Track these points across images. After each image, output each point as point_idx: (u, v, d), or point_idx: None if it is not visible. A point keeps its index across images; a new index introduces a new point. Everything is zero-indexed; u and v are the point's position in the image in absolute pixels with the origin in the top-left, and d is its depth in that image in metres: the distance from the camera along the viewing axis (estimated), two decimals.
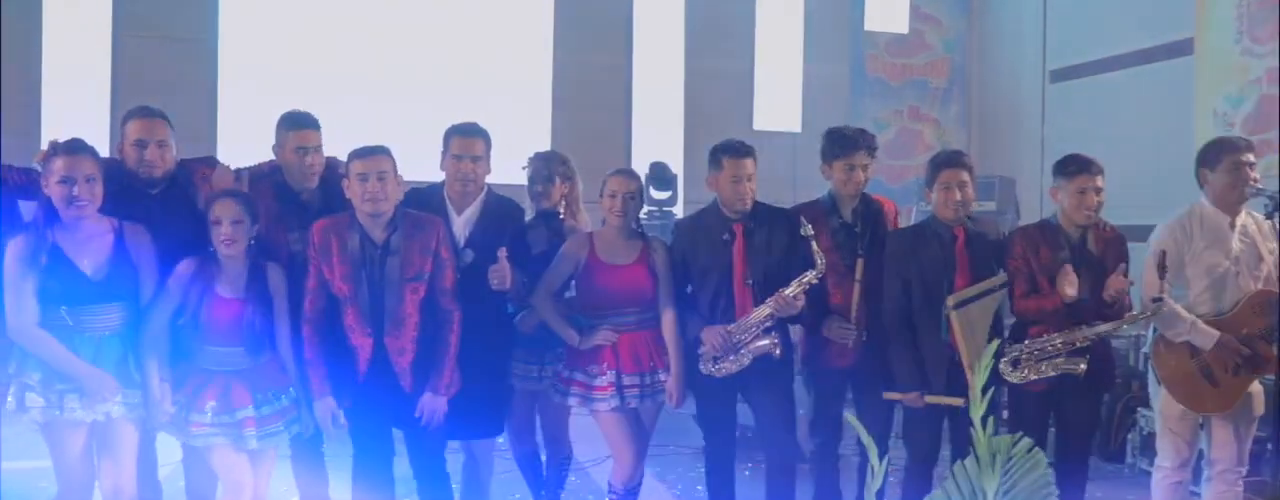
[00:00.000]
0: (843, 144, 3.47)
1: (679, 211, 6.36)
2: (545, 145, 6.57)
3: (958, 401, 3.21)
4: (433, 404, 3.06)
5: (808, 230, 3.22)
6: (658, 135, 7.26)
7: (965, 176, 3.36)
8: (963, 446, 3.35)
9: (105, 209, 2.89)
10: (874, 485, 1.65)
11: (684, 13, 7.32)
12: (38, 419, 2.82)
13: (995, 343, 2.15)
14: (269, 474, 3.10)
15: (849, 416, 1.73)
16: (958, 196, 3.34)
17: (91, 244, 2.87)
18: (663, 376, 3.26)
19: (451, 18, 6.96)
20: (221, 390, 2.91)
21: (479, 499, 3.46)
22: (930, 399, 3.29)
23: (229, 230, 2.89)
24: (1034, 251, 3.33)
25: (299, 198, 3.27)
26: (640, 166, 5.33)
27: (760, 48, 7.48)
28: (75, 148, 2.86)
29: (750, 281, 3.26)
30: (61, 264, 2.81)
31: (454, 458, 3.34)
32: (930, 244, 3.37)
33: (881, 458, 1.72)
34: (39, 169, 2.90)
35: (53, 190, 2.81)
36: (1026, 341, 3.26)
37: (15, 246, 2.81)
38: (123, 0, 6.42)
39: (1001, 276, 3.36)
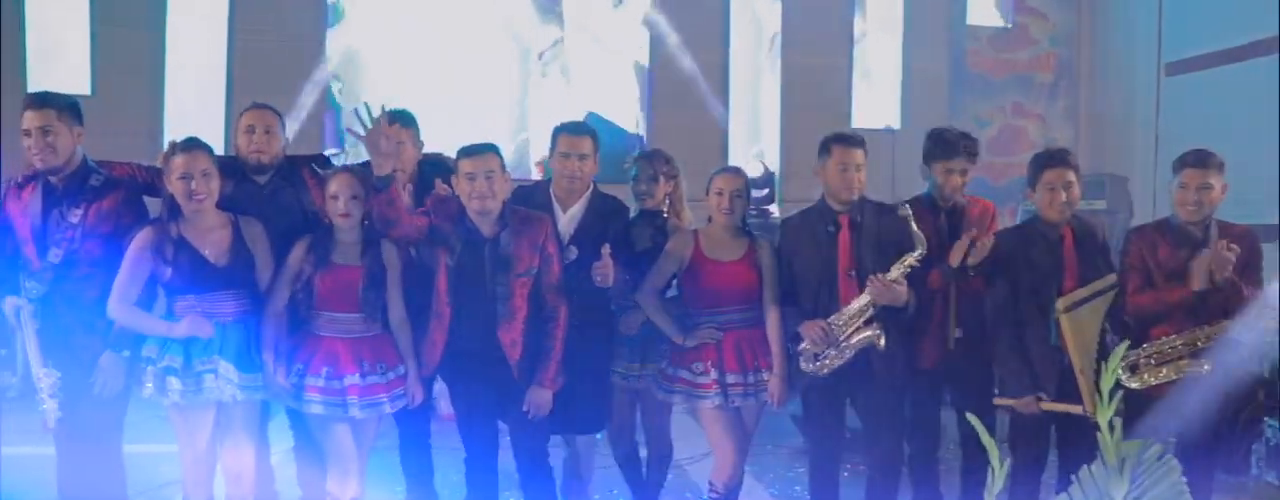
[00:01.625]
0: (943, 146, 3.45)
1: (776, 210, 6.32)
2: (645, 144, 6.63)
3: (1077, 409, 3.10)
4: (539, 397, 3.12)
5: (905, 211, 3.20)
6: (755, 133, 7.21)
7: (1071, 175, 3.27)
8: (1073, 451, 3.26)
9: (219, 201, 3.06)
10: (995, 488, 1.61)
11: (781, 9, 7.25)
12: (178, 402, 2.95)
13: (1124, 344, 2.08)
14: (369, 447, 3.20)
15: (971, 418, 1.69)
16: (1063, 197, 3.25)
17: (212, 235, 3.03)
18: (766, 376, 3.24)
19: (549, 16, 7.03)
20: (331, 357, 3.03)
21: (580, 494, 3.50)
22: (1047, 406, 3.18)
23: (345, 204, 3.03)
24: (1152, 251, 3.21)
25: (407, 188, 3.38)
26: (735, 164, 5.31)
27: (858, 43, 7.36)
28: (192, 145, 3.04)
29: (853, 272, 3.23)
30: (187, 254, 2.97)
31: (555, 453, 3.39)
32: (1036, 245, 3.29)
33: (1000, 462, 1.68)
34: (161, 167, 3.07)
35: (174, 186, 2.98)
36: (1145, 345, 3.14)
37: (143, 236, 2.98)
38: (239, 11, 6.69)
39: (1112, 278, 3.25)
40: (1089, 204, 4.71)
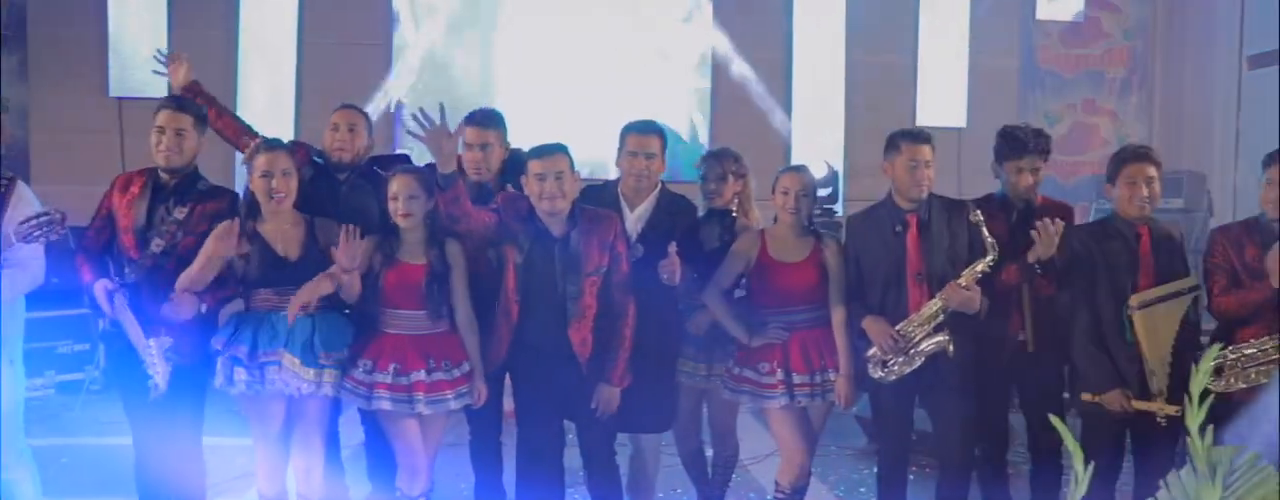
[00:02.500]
0: (1015, 144, 3.38)
1: (840, 210, 6.25)
2: (704, 143, 6.61)
3: (1173, 409, 3.01)
4: (607, 394, 3.13)
5: (977, 216, 3.15)
6: (818, 132, 7.14)
7: (1153, 172, 3.20)
8: (1151, 457, 3.18)
9: (299, 193, 3.17)
10: (1078, 493, 1.56)
11: (845, 6, 7.17)
12: (244, 392, 3.02)
13: (1215, 347, 2.01)
14: (437, 443, 3.23)
15: (1054, 420, 1.64)
16: (1144, 192, 3.17)
17: (287, 232, 3.11)
18: (832, 376, 3.21)
19: (612, 17, 7.05)
20: (398, 354, 3.07)
21: (645, 492, 3.50)
22: (1139, 405, 3.10)
23: (404, 205, 3.07)
24: (1238, 251, 3.11)
25: (478, 191, 3.41)
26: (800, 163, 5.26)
27: (924, 40, 7.24)
28: (272, 145, 3.16)
29: (921, 275, 3.18)
30: (262, 249, 3.06)
31: (620, 451, 3.39)
32: (1113, 242, 3.21)
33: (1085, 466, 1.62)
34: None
35: (256, 184, 3.07)
36: (1230, 347, 3.04)
37: (221, 228, 3.06)
38: (308, 8, 6.83)
39: (1191, 279, 3.15)
40: (1165, 202, 4.55)
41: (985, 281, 3.16)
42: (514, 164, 3.43)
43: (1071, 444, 1.59)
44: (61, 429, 4.90)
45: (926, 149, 3.22)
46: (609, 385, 3.12)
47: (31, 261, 2.99)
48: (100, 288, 3.11)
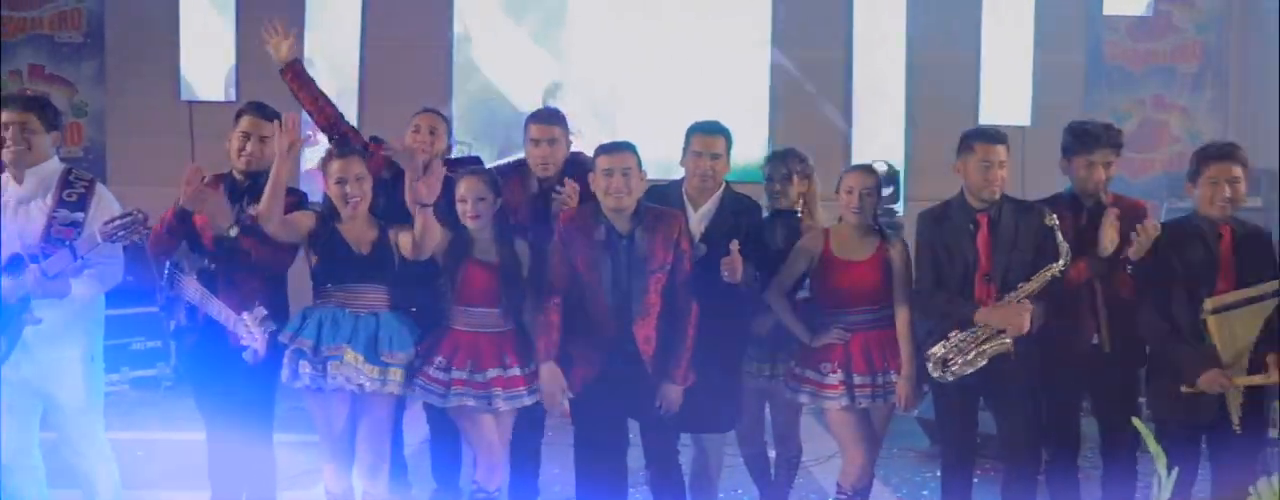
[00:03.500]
0: (1084, 139, 3.30)
1: (901, 209, 6.16)
2: (763, 143, 6.56)
3: (1272, 378, 2.92)
4: (671, 393, 3.13)
5: (1053, 219, 3.09)
6: (878, 131, 7.05)
7: (1238, 171, 3.12)
8: (1229, 463, 3.08)
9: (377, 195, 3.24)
10: (1161, 498, 1.51)
11: (905, 2, 7.07)
12: (308, 385, 3.08)
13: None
14: (507, 439, 3.26)
15: (1137, 423, 1.60)
16: (1227, 192, 3.09)
17: (361, 233, 3.17)
18: (895, 378, 3.19)
19: (669, 16, 7.05)
20: (473, 352, 3.11)
21: (707, 493, 3.50)
22: (1239, 380, 2.99)
23: (472, 206, 3.12)
24: None
25: (541, 186, 3.49)
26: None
27: (987, 37, 7.09)
28: (346, 151, 3.23)
29: (990, 276, 3.12)
30: (338, 245, 3.12)
31: (683, 451, 3.39)
32: (1192, 242, 3.13)
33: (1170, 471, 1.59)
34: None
35: (331, 190, 3.14)
36: None
37: (305, 218, 3.17)
38: (371, 11, 6.95)
39: (1274, 283, 3.05)
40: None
41: (1052, 282, 3.10)
42: (572, 166, 3.49)
43: (1154, 448, 1.54)
44: (136, 423, 5.04)
45: (1001, 149, 3.18)
46: (672, 384, 3.12)
47: (111, 261, 3.09)
48: (191, 286, 3.20)
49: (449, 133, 3.75)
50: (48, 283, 2.87)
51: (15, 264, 2.93)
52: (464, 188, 3.14)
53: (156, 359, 6.08)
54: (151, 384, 5.99)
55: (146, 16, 6.84)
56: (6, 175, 3.10)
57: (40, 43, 6.99)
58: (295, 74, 3.60)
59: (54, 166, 3.12)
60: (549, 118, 3.54)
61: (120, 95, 6.95)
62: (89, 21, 6.99)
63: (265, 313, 3.04)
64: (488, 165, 3.72)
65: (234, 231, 3.15)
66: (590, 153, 3.67)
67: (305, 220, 3.14)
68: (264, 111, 3.30)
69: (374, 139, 3.72)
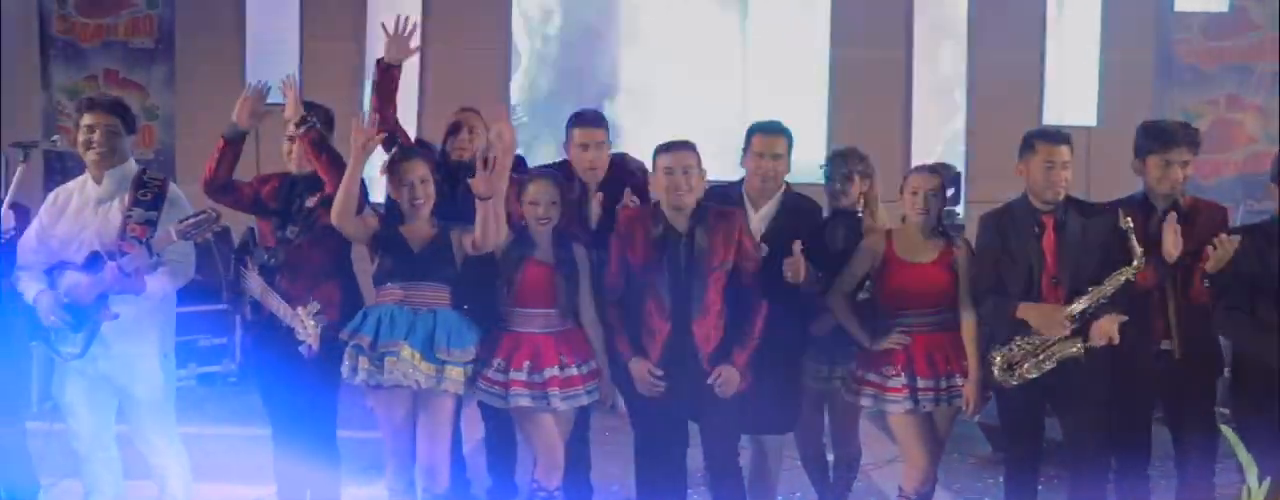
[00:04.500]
0: (1160, 138, 3.22)
1: (961, 211, 6.07)
2: (821, 143, 6.50)
3: None
4: (728, 375, 3.10)
5: (1127, 222, 3.02)
6: (938, 132, 6.95)
7: None
8: None
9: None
10: None
11: (967, 0, 6.95)
12: (367, 381, 3.13)
13: None
14: (566, 438, 3.27)
15: (1226, 431, 1.54)
16: None
17: (422, 232, 3.21)
18: (959, 381, 3.14)
19: (731, 17, 7.02)
20: (532, 351, 3.14)
21: (766, 495, 3.48)
22: None
23: (545, 210, 3.16)
24: None
25: (584, 190, 3.49)
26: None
27: (1052, 35, 6.94)
28: (411, 154, 3.28)
29: (1057, 279, 3.06)
30: (398, 244, 3.17)
31: (742, 453, 3.35)
32: (1275, 246, 3.02)
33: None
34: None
35: (397, 191, 3.19)
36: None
37: (370, 220, 3.23)
38: (431, 15, 7.05)
39: None
40: None
41: (1121, 286, 3.04)
42: (613, 167, 3.52)
43: (1244, 457, 1.49)
44: (204, 418, 5.14)
45: (1064, 150, 3.12)
46: (731, 366, 3.09)
47: (184, 259, 3.17)
48: (254, 282, 3.27)
49: (486, 131, 3.74)
50: (125, 279, 2.96)
51: (94, 262, 3.02)
52: (536, 191, 3.17)
53: (222, 355, 6.21)
54: (217, 380, 6.12)
55: (215, 22, 7.03)
56: (86, 176, 3.20)
57: (114, 48, 7.21)
58: (391, 78, 3.60)
59: (130, 168, 3.21)
60: (593, 120, 3.56)
61: (189, 98, 7.14)
62: (160, 27, 7.19)
63: (318, 307, 3.11)
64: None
65: (293, 233, 3.22)
66: (636, 153, 3.71)
67: (371, 221, 3.19)
68: (311, 112, 3.36)
69: (420, 143, 3.77)
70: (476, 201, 3.05)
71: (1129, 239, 3.01)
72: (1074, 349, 3.03)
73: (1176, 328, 3.15)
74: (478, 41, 7.01)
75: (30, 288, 3.08)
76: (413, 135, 4.02)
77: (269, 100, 3.46)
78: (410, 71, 7.01)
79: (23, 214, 3.24)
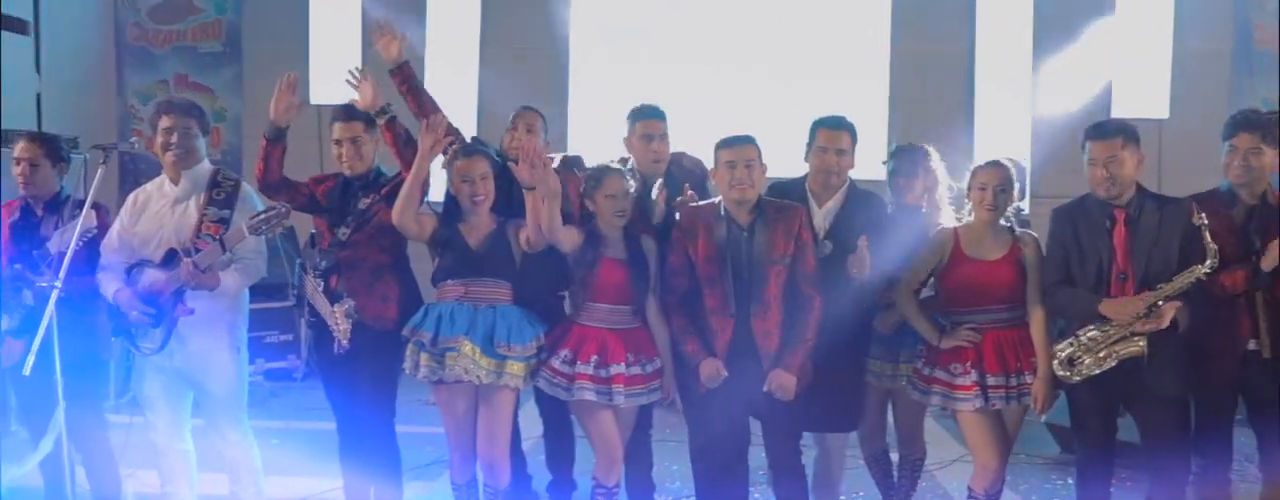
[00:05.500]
0: (1247, 121, 3.12)
1: (1026, 207, 5.95)
2: (882, 139, 6.42)
3: None
4: (782, 380, 3.08)
5: (1201, 218, 2.92)
6: (1002, 126, 6.81)
7: None
8: None
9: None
10: None
11: None
12: (429, 377, 3.17)
13: None
14: (627, 436, 3.28)
15: None
16: None
17: (481, 229, 3.24)
18: (1029, 379, 3.08)
19: (791, 14, 6.97)
20: (600, 346, 3.14)
21: (829, 494, 3.44)
22: None
23: (622, 202, 3.17)
24: None
25: (646, 184, 3.47)
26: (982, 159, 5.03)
27: (1121, 25, 6.76)
28: (472, 151, 3.32)
29: (1124, 274, 2.98)
30: (457, 242, 3.21)
31: (805, 451, 3.32)
32: None
33: None
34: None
35: (457, 188, 3.23)
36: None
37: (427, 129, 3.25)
38: (488, 18, 7.12)
39: None
40: None
41: (1202, 285, 2.94)
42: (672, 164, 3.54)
43: None
44: (271, 413, 5.27)
45: (1116, 143, 3.02)
46: (785, 371, 3.07)
47: (256, 257, 3.24)
48: (308, 279, 3.34)
49: (546, 131, 3.78)
50: (199, 275, 3.04)
51: (171, 259, 3.11)
52: (613, 185, 3.17)
53: (288, 352, 6.36)
54: (284, 375, 6.27)
55: (280, 26, 7.20)
56: (164, 176, 3.29)
57: (185, 53, 7.42)
58: (404, 76, 3.64)
59: (205, 168, 3.30)
60: (655, 113, 3.58)
61: (255, 100, 7.30)
62: (228, 32, 7.38)
63: (351, 304, 3.18)
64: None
65: (344, 235, 3.28)
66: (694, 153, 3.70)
67: (429, 220, 3.22)
68: (350, 114, 3.41)
69: (477, 142, 3.80)
70: (525, 196, 3.06)
71: (1202, 235, 2.92)
72: (1136, 347, 2.95)
73: (1265, 327, 3.04)
74: (534, 41, 7.06)
75: (111, 285, 3.18)
76: (469, 135, 4.05)
77: (318, 102, 3.51)
78: (468, 72, 7.15)
79: (103, 213, 3.34)
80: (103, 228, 3.24)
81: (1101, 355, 2.99)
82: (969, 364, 3.08)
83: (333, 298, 3.27)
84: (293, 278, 3.61)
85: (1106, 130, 3.08)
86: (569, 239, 3.16)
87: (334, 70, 6.94)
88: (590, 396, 3.11)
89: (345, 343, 3.18)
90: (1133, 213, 3.04)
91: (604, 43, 7.06)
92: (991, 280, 3.10)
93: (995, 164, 3.19)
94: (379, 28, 3.63)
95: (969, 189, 3.17)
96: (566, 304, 3.45)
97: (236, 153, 7.28)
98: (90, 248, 3.16)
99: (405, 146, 3.39)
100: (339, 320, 3.16)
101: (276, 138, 3.38)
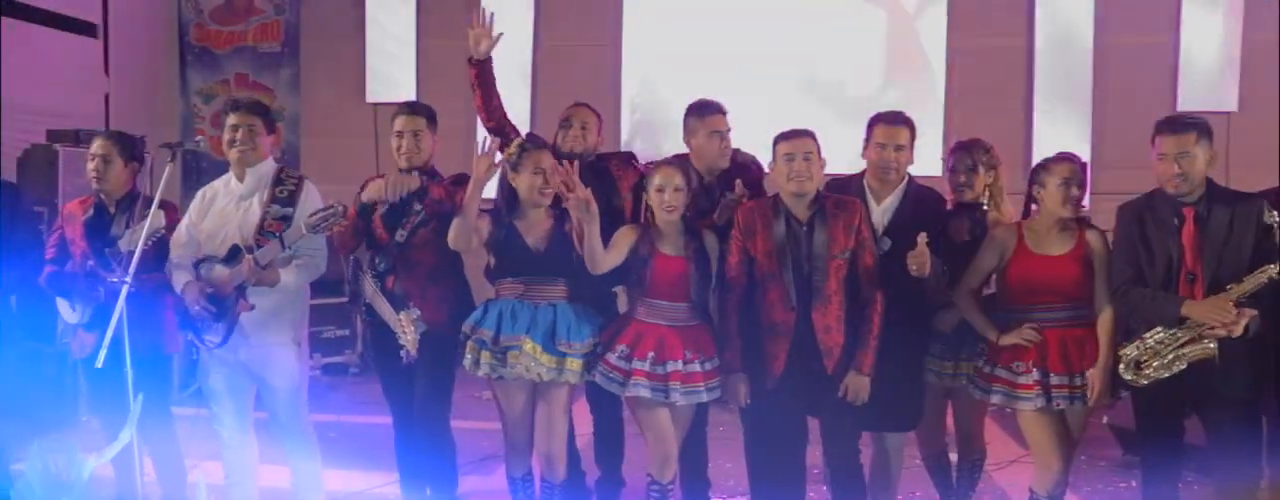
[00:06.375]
0: None
1: (1087, 203, 5.81)
2: (938, 134, 6.33)
3: None
4: (857, 383, 3.06)
5: (1272, 216, 2.84)
6: (1063, 121, 6.67)
7: None
8: None
9: None
10: None
11: None
12: (489, 374, 3.20)
13: None
14: (684, 434, 3.27)
15: None
16: None
17: (539, 227, 3.25)
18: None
19: (842, 3, 6.90)
20: (657, 343, 3.13)
21: (887, 494, 3.40)
22: None
23: (671, 196, 3.14)
24: None
25: (703, 181, 3.50)
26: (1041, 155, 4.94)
27: (1188, 15, 6.56)
28: (540, 143, 3.34)
29: (1192, 274, 2.90)
30: (513, 240, 3.22)
31: (863, 450, 3.29)
32: None
33: None
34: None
35: (523, 181, 3.22)
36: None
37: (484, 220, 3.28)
38: (543, 11, 7.16)
39: None
40: None
41: (1275, 286, 2.85)
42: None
43: None
44: (328, 407, 5.35)
45: (1188, 138, 2.94)
46: (858, 374, 3.05)
47: (316, 253, 3.30)
48: (368, 284, 3.38)
49: (600, 127, 3.77)
50: (260, 271, 3.10)
51: (234, 255, 3.17)
52: (662, 177, 3.16)
53: (344, 347, 6.46)
54: (340, 370, 6.37)
55: (337, 26, 7.31)
56: (231, 173, 3.36)
57: (245, 53, 7.57)
58: (481, 71, 3.70)
59: (269, 166, 3.36)
60: (721, 109, 3.57)
61: (313, 99, 7.44)
62: (286, 32, 7.51)
63: (418, 314, 3.19)
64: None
65: (402, 236, 3.32)
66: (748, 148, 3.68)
67: (484, 227, 3.22)
68: (414, 108, 3.49)
69: (531, 136, 3.81)
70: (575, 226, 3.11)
71: (1275, 234, 2.83)
72: (1206, 350, 2.87)
73: None
74: (589, 38, 7.07)
75: (179, 279, 3.26)
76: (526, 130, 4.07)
77: (385, 100, 3.56)
78: (523, 67, 7.19)
79: (172, 212, 3.42)
80: (171, 226, 3.32)
81: (1170, 359, 2.92)
82: (1032, 362, 3.02)
83: (395, 302, 3.30)
84: (348, 274, 3.66)
85: (1180, 124, 3.00)
86: (616, 258, 3.16)
87: (389, 70, 7.13)
88: (645, 393, 3.11)
89: (413, 352, 3.20)
90: (1202, 210, 2.95)
91: (656, 39, 7.05)
92: (1057, 277, 3.04)
93: (1066, 157, 3.13)
94: (480, 21, 3.66)
95: (1036, 184, 3.10)
96: (619, 301, 3.47)
97: (294, 151, 7.40)
98: (159, 246, 3.24)
99: (488, 95, 3.58)
100: (406, 329, 3.17)
101: (362, 214, 3.46)
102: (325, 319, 6.18)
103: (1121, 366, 2.96)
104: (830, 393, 3.08)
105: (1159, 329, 2.94)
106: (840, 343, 3.06)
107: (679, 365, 3.11)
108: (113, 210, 3.44)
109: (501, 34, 3.66)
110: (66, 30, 6.47)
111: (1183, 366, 2.90)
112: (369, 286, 3.39)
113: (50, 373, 4.89)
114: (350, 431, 4.83)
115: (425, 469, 3.58)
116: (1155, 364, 2.93)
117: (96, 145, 3.45)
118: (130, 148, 3.48)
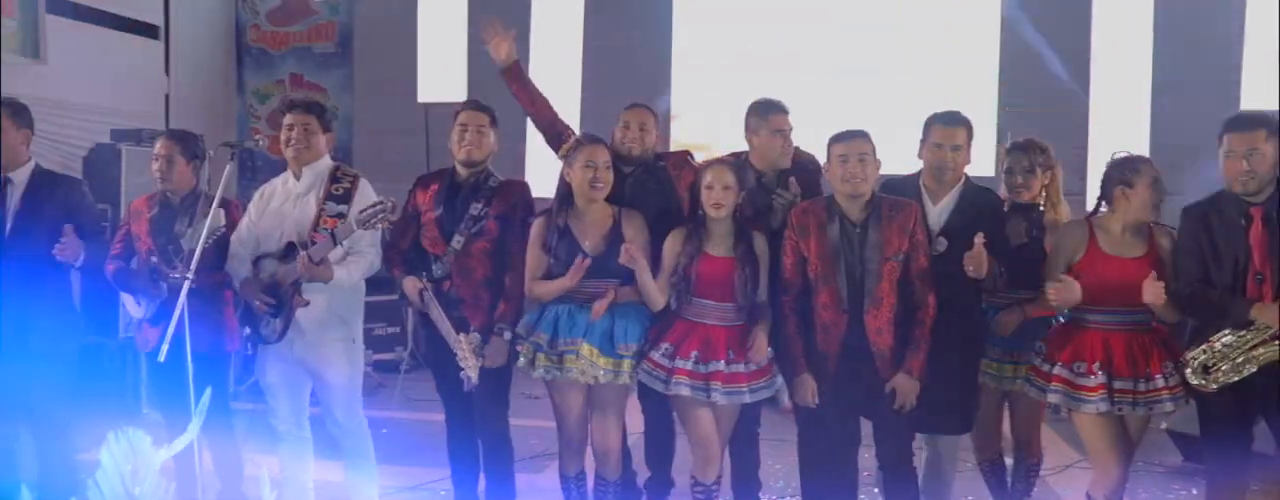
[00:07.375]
0: None
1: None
2: (990, 136, 6.23)
3: None
4: (906, 385, 3.02)
5: None
6: (1121, 121, 6.53)
7: None
8: None
9: None
10: None
11: None
12: (544, 377, 3.21)
13: None
14: (728, 434, 3.26)
15: None
16: None
17: (594, 227, 3.25)
18: (1160, 383, 2.94)
19: (895, 3, 6.83)
20: (702, 342, 3.12)
21: (939, 496, 3.36)
22: None
23: (719, 194, 3.12)
24: None
25: (761, 180, 3.47)
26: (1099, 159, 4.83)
27: (1252, 8, 6.36)
28: (595, 139, 3.34)
29: (1260, 275, 2.83)
30: (567, 244, 3.22)
31: (917, 453, 3.26)
32: None
33: None
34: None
35: (578, 175, 3.22)
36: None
37: (536, 226, 3.30)
38: (592, 13, 7.18)
39: None
40: None
41: None
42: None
43: None
44: (380, 403, 5.42)
45: (1258, 135, 2.86)
46: (908, 376, 3.01)
47: (370, 250, 3.33)
48: (411, 285, 3.40)
49: (657, 128, 3.73)
50: (314, 267, 3.14)
51: (290, 251, 3.22)
52: (712, 176, 3.15)
53: (395, 344, 6.53)
54: (391, 367, 6.44)
55: (390, 27, 7.39)
56: (288, 172, 3.41)
57: (300, 54, 7.70)
58: (515, 75, 3.71)
59: (325, 164, 3.40)
60: (784, 108, 3.52)
61: (365, 100, 7.55)
62: (340, 33, 7.63)
63: (479, 339, 3.18)
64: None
65: (458, 244, 3.35)
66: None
67: (545, 257, 3.23)
68: (480, 105, 3.51)
69: (587, 135, 3.81)
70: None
71: None
72: (1276, 351, 2.79)
73: None
74: (638, 38, 7.08)
75: (240, 273, 3.33)
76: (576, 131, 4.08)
77: (435, 100, 3.59)
78: (573, 67, 7.22)
79: (232, 209, 3.48)
80: (232, 224, 3.37)
81: (1239, 361, 2.84)
82: (1097, 364, 2.96)
83: (449, 306, 3.30)
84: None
85: (1248, 121, 2.93)
86: (663, 293, 3.17)
87: (441, 71, 7.20)
88: (686, 392, 3.09)
89: (474, 380, 3.17)
90: (1270, 210, 2.88)
91: (707, 38, 7.03)
92: (1131, 279, 2.93)
93: (1146, 159, 3.05)
94: (489, 28, 3.70)
95: (1120, 183, 3.00)
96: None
97: (346, 150, 7.52)
98: (219, 244, 3.30)
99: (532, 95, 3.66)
100: (468, 356, 3.15)
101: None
102: (376, 316, 6.24)
103: (1189, 371, 2.89)
104: (882, 395, 3.05)
105: (1227, 331, 2.86)
106: (891, 345, 3.03)
107: (721, 365, 3.09)
108: (177, 207, 3.52)
109: (514, 31, 3.72)
110: (129, 32, 6.63)
111: (1253, 370, 2.82)
112: (431, 303, 3.37)
113: (113, 366, 5.02)
114: (400, 428, 4.88)
115: (477, 466, 3.60)
116: (1224, 367, 2.85)
117: (159, 145, 3.53)
118: (191, 146, 3.54)
